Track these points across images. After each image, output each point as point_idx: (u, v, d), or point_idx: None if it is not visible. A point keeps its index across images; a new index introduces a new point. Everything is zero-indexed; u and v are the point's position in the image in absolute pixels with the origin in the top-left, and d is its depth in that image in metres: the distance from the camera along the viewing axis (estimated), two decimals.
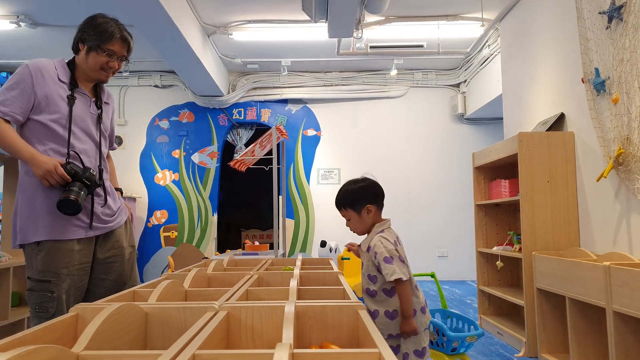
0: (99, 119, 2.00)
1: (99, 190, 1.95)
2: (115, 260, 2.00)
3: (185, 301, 1.49)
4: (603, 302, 2.17)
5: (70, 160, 1.85)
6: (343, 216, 1.94)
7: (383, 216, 1.93)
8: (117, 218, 2.03)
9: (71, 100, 1.89)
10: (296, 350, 0.81)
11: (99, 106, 2.01)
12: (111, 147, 2.26)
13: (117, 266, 2.00)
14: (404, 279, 1.72)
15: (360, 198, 1.88)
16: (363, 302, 1.35)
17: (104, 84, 2.08)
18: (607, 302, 2.14)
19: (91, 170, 1.86)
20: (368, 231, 1.90)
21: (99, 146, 1.99)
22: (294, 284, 1.45)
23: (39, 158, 1.76)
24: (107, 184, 2.03)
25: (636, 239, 2.47)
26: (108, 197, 2.00)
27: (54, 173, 1.76)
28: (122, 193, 2.20)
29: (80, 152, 1.88)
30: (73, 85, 1.92)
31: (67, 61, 1.97)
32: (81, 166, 1.86)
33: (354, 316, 1.14)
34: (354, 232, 1.94)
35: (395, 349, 1.78)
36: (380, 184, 1.93)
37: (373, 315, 1.80)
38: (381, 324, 1.79)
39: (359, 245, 1.97)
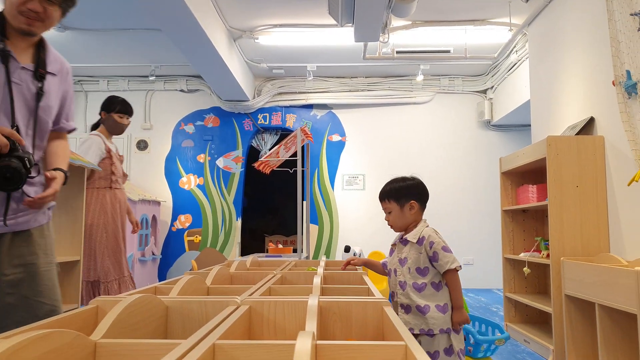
0: (38, 95, 1.46)
1: None
2: (26, 271, 1.45)
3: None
4: (634, 308, 2.09)
5: None
6: (384, 209, 1.98)
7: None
8: (35, 215, 1.50)
9: None
10: (319, 342, 0.80)
11: (38, 77, 1.46)
12: (65, 129, 1.65)
13: (27, 279, 1.45)
14: (458, 267, 1.80)
15: (407, 194, 1.94)
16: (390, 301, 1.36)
17: (47, 47, 1.53)
18: (638, 308, 2.06)
19: (30, 156, 1.37)
20: (406, 227, 1.94)
21: (32, 135, 1.46)
22: (317, 281, 1.44)
23: None
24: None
25: None
26: (29, 188, 1.44)
27: None
28: (66, 178, 1.55)
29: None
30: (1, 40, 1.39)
31: None
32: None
33: (379, 312, 1.12)
34: (391, 226, 1.98)
35: (449, 349, 1.78)
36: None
37: (423, 310, 1.78)
38: (433, 318, 1.77)
39: (393, 244, 1.99)
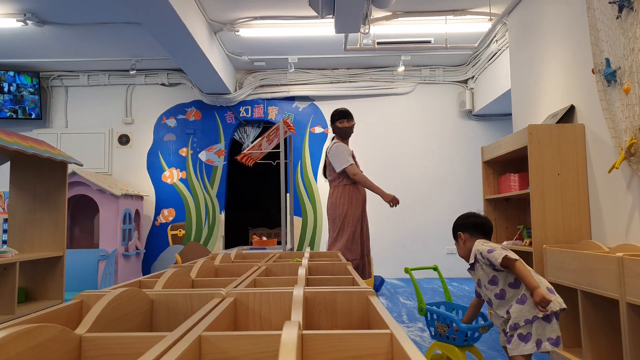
0: None
1: None
2: None
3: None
4: (616, 294, 2.13)
5: None
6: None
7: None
8: None
9: None
10: (305, 332, 0.79)
11: None
12: None
13: None
14: (511, 256, 1.89)
15: (456, 229, 2.23)
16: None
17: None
18: (620, 294, 2.11)
19: None
20: (468, 256, 2.14)
21: None
22: (302, 272, 1.44)
23: None
24: None
25: None
26: None
27: None
28: None
29: None
30: None
31: None
32: None
33: (364, 302, 1.12)
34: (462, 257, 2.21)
35: (527, 336, 1.84)
36: (483, 217, 2.24)
37: (510, 312, 1.91)
38: (515, 312, 1.88)
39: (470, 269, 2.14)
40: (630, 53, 2.52)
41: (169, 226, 6.50)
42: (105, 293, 0.99)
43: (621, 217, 2.66)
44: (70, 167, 5.06)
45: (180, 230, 6.49)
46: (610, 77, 2.67)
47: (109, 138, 6.56)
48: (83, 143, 6.47)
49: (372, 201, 6.57)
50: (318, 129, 6.68)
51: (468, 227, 2.17)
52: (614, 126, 2.66)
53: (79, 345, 0.77)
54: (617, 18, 2.62)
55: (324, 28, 5.11)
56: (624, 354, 2.10)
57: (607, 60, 2.70)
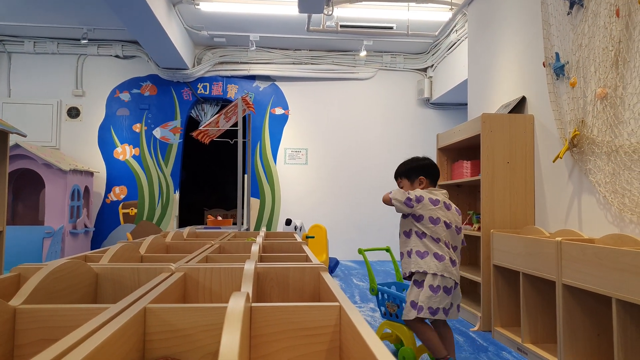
0: None
1: None
2: None
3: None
4: (554, 275, 2.25)
5: None
6: (399, 185, 2.27)
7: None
8: None
9: None
10: (255, 304, 0.79)
11: None
12: None
13: None
14: (390, 195, 2.02)
15: (415, 171, 2.20)
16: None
17: None
18: (557, 276, 2.23)
19: None
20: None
21: None
22: (255, 248, 1.43)
23: None
24: None
25: (586, 216, 2.57)
26: None
27: None
28: None
29: None
30: None
31: None
32: None
33: (316, 278, 1.13)
34: None
35: (419, 283, 2.02)
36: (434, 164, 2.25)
37: (401, 256, 2.10)
38: (404, 262, 2.06)
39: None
40: (578, 48, 2.62)
41: (121, 204, 6.32)
42: (44, 265, 0.95)
43: (562, 204, 2.79)
44: (13, 139, 4.80)
45: (132, 209, 6.32)
46: (559, 70, 2.78)
47: (57, 110, 6.27)
48: (28, 114, 6.15)
49: (329, 185, 6.64)
50: (279, 110, 6.62)
51: (430, 173, 2.21)
52: (560, 118, 2.77)
53: (12, 317, 0.74)
54: (568, 14, 2.72)
55: (288, 7, 5.05)
56: (558, 331, 2.22)
57: (557, 54, 2.80)
